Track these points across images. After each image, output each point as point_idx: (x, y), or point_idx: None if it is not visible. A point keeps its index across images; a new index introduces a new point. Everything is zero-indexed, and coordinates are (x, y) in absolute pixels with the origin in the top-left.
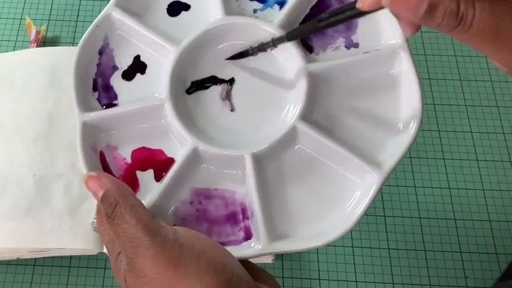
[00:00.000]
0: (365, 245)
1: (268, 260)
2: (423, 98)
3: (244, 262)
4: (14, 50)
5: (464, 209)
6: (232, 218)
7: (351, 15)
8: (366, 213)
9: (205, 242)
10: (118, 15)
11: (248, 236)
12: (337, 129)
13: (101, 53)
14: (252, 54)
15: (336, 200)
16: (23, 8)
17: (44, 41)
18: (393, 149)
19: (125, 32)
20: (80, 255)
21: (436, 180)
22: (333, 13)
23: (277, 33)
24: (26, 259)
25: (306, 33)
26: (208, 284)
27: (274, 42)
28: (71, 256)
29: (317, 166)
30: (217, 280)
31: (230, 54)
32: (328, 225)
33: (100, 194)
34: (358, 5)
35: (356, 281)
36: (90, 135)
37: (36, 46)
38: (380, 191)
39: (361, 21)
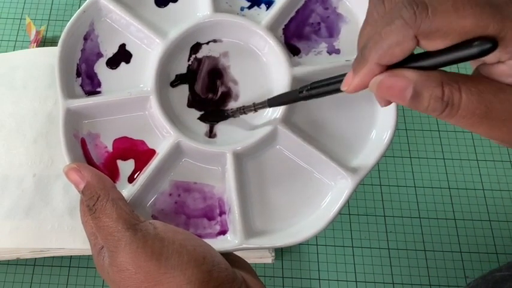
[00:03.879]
0: (365, 245)
1: (268, 260)
2: (398, 109)
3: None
4: (14, 50)
5: (464, 209)
6: (209, 212)
7: (332, 90)
8: (366, 214)
9: (184, 235)
10: (105, 2)
11: (224, 230)
12: (316, 133)
13: (85, 38)
14: (232, 116)
15: (310, 201)
16: (23, 8)
17: (44, 41)
18: (368, 156)
19: (111, 19)
20: (80, 255)
21: (436, 180)
22: (314, 85)
23: (264, 34)
24: (26, 259)
25: (287, 102)
26: (190, 276)
27: (256, 108)
28: (71, 256)
29: (294, 167)
30: (198, 271)
31: (216, 51)
32: (303, 224)
33: (81, 186)
34: (343, 88)
35: (356, 281)
36: (73, 122)
37: (36, 46)
38: (354, 195)
39: (344, 29)
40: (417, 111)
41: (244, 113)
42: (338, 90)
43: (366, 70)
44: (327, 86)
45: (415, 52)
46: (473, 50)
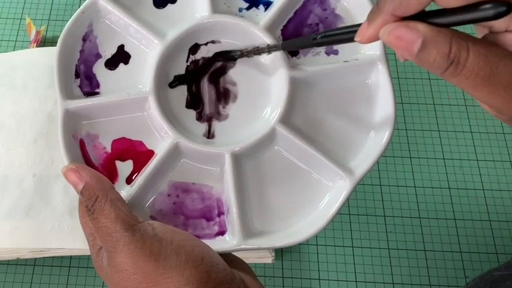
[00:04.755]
0: (365, 245)
1: (268, 260)
2: (396, 110)
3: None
4: (14, 50)
5: (464, 209)
6: (207, 213)
7: (345, 38)
8: (366, 214)
9: (182, 235)
10: (104, 3)
11: (222, 231)
12: (314, 133)
13: (84, 39)
14: (247, 56)
15: (309, 202)
16: (23, 8)
17: (44, 41)
18: (365, 156)
19: (110, 20)
20: (80, 255)
21: (436, 180)
22: (328, 33)
23: (263, 35)
24: (26, 259)
25: (301, 46)
26: (188, 276)
27: (270, 49)
28: (71, 256)
29: (292, 168)
30: (196, 271)
31: (214, 51)
32: (301, 224)
33: (80, 187)
34: (357, 39)
35: (356, 281)
36: (72, 122)
37: (36, 46)
38: (352, 195)
39: None
40: (422, 67)
41: (258, 53)
42: (351, 40)
43: (380, 20)
44: (340, 35)
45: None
46: (488, 12)
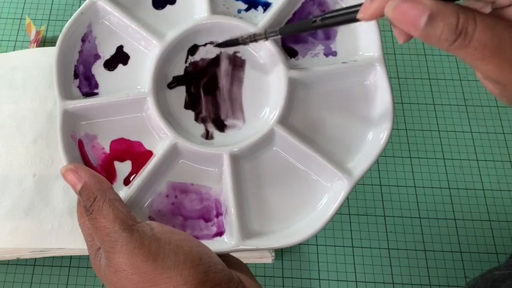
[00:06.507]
0: (365, 245)
1: (268, 260)
2: (395, 110)
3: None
4: (14, 50)
5: (464, 209)
6: (206, 213)
7: (347, 19)
8: (366, 214)
9: (180, 235)
10: (103, 4)
11: (221, 232)
12: (312, 134)
13: (83, 40)
14: (244, 44)
15: (307, 202)
16: (23, 8)
17: (44, 41)
18: (364, 157)
19: (109, 21)
20: (80, 255)
21: (436, 180)
22: (327, 15)
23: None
24: (26, 259)
25: (299, 30)
26: (187, 276)
27: (267, 35)
28: (71, 256)
29: (291, 168)
30: (195, 271)
31: (213, 52)
32: (299, 225)
33: (78, 187)
34: (360, 16)
35: (356, 281)
36: (71, 123)
37: (36, 46)
38: (352, 195)
39: (341, 31)
40: (428, 43)
41: (255, 40)
42: (353, 20)
43: None
44: (341, 16)
45: None
46: None
